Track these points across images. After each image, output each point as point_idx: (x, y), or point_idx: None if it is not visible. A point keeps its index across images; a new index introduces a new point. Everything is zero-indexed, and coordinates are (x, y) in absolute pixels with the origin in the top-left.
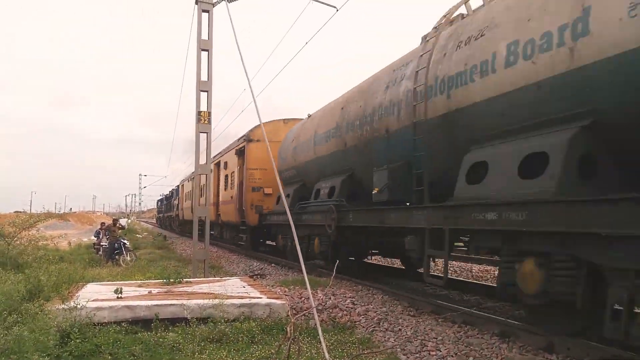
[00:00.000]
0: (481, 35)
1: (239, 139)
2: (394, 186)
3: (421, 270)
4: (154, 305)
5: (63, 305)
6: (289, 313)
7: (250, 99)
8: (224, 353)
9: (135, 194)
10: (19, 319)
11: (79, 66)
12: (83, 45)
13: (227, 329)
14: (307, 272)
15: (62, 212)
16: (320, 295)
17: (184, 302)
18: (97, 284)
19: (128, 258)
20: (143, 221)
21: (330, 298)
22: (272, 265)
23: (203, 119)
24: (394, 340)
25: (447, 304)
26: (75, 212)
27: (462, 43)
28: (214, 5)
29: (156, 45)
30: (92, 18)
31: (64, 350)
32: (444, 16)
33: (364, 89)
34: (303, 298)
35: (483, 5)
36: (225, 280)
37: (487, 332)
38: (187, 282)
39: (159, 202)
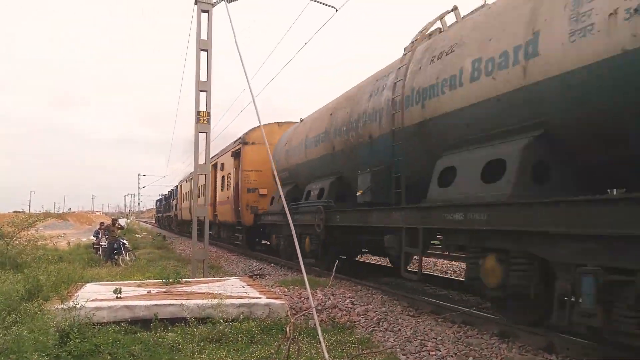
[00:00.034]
0: (451, 51)
1: (235, 142)
2: (376, 188)
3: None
4: (153, 305)
5: (62, 305)
6: (289, 313)
7: (249, 99)
8: (224, 353)
9: (134, 194)
10: (18, 319)
11: (79, 66)
12: (83, 45)
13: (226, 329)
14: (306, 272)
15: (61, 212)
16: (319, 295)
17: (183, 302)
18: (96, 283)
19: (127, 258)
20: (142, 221)
21: (329, 298)
22: (272, 265)
23: (202, 119)
24: (394, 340)
25: (446, 304)
26: (74, 212)
27: (435, 57)
28: (213, 5)
29: (156, 45)
30: (92, 18)
31: (63, 350)
32: (421, 31)
33: (351, 96)
34: (302, 298)
35: (456, 21)
36: (224, 280)
37: (486, 332)
38: (186, 282)
39: (158, 202)
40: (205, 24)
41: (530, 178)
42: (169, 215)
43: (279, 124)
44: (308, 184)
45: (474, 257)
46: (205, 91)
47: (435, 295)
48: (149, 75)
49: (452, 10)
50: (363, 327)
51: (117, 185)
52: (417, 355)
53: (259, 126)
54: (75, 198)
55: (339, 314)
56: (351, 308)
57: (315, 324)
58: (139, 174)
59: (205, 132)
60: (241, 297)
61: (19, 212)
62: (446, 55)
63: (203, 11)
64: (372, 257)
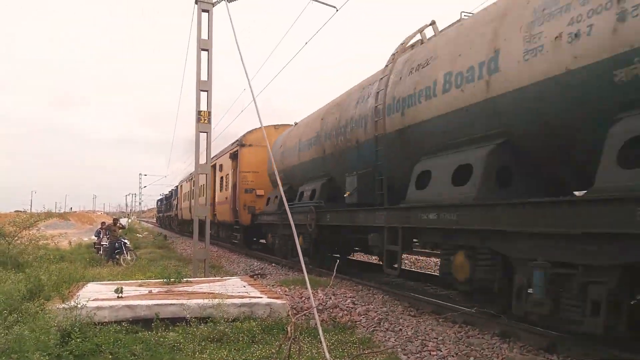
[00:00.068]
0: (427, 64)
1: (232, 144)
2: (363, 190)
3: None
4: (155, 304)
5: (63, 305)
6: (290, 313)
7: (249, 99)
8: (225, 353)
9: (135, 194)
10: (19, 319)
11: (79, 66)
12: (83, 45)
13: (227, 329)
14: (307, 272)
15: (62, 211)
16: (320, 295)
17: (185, 301)
18: (98, 283)
19: (128, 257)
20: (143, 221)
21: (330, 298)
22: (273, 264)
23: (203, 119)
24: (395, 340)
25: (447, 304)
26: (75, 212)
27: (413, 69)
28: (213, 5)
29: (156, 45)
30: (92, 18)
31: (65, 349)
32: (401, 44)
33: (340, 102)
34: (303, 298)
35: (434, 35)
36: (225, 280)
37: (487, 332)
38: (187, 281)
39: (159, 202)
40: (205, 23)
41: (495, 182)
42: (169, 214)
43: (275, 126)
44: (301, 185)
45: (446, 253)
46: (206, 91)
47: (436, 295)
48: (149, 75)
49: (430, 25)
50: (364, 326)
51: (118, 185)
52: (418, 355)
53: (256, 129)
54: (75, 198)
55: (340, 314)
56: (352, 308)
57: (316, 324)
58: (140, 174)
59: (206, 132)
60: (242, 297)
61: (21, 211)
62: (422, 67)
63: (203, 11)
64: (374, 257)
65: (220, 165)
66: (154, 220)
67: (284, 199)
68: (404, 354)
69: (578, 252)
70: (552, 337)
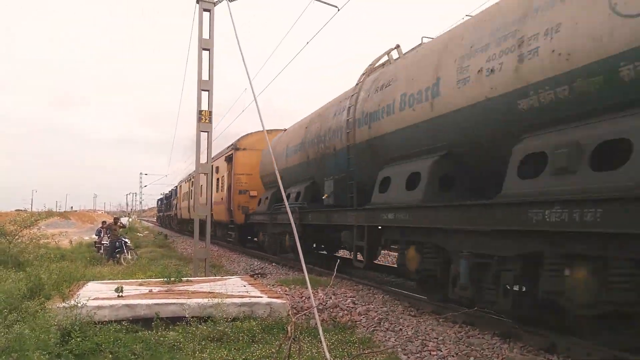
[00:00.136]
0: (389, 85)
1: (228, 147)
2: (338, 193)
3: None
4: (155, 304)
5: (64, 304)
6: (290, 312)
7: (250, 99)
8: (225, 352)
9: (136, 193)
10: (19, 317)
11: (79, 66)
12: (83, 45)
13: (227, 328)
14: (307, 272)
15: (63, 210)
16: (320, 294)
17: (185, 301)
18: (98, 282)
19: (129, 257)
20: (144, 220)
21: (330, 297)
22: (273, 264)
23: (204, 118)
24: (395, 340)
25: (447, 304)
26: (76, 211)
27: (379, 88)
28: (215, 4)
29: (156, 45)
30: (92, 18)
31: (65, 348)
32: (370, 65)
33: (321, 113)
34: (304, 297)
35: (398, 57)
36: (226, 279)
37: (488, 332)
38: (187, 281)
39: (159, 202)
40: (207, 22)
41: (438, 187)
42: (169, 214)
43: (268, 131)
44: (288, 188)
45: (401, 248)
46: (207, 90)
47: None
48: (149, 75)
49: (394, 48)
50: (364, 326)
51: (118, 185)
52: (418, 355)
53: (250, 133)
54: (76, 197)
55: (340, 314)
56: (352, 308)
57: (316, 324)
58: (141, 173)
59: (207, 132)
60: (242, 297)
61: (21, 210)
62: (385, 87)
63: (205, 10)
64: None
65: (217, 167)
66: (155, 219)
67: (285, 199)
68: (404, 354)
69: (492, 246)
70: (552, 337)
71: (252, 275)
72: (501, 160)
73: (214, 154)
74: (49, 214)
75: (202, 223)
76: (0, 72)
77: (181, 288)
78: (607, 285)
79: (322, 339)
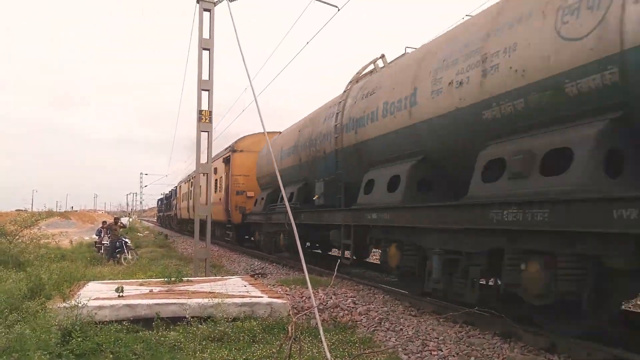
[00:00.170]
0: (373, 93)
1: (225, 149)
2: (328, 194)
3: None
4: (155, 304)
5: (64, 304)
6: (290, 312)
7: (250, 99)
8: (225, 352)
9: (136, 193)
10: (20, 317)
11: (79, 66)
12: (83, 45)
13: (228, 328)
14: (307, 272)
15: (63, 210)
16: (321, 294)
17: (185, 301)
18: (99, 282)
19: (129, 257)
20: (144, 220)
21: (331, 297)
22: (273, 264)
23: (204, 118)
24: (395, 340)
25: (448, 304)
26: (76, 211)
27: (364, 96)
28: (215, 4)
29: (156, 45)
30: (92, 18)
31: (65, 348)
32: (357, 73)
33: (313, 118)
34: (304, 297)
35: (383, 66)
36: (226, 279)
37: (488, 332)
38: (188, 281)
39: (160, 202)
40: (207, 22)
41: (416, 189)
42: (169, 214)
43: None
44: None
45: (384, 246)
46: (207, 90)
47: (437, 295)
48: (149, 75)
49: (380, 58)
50: (365, 326)
51: (118, 185)
52: (418, 355)
53: (247, 136)
54: (76, 197)
55: (341, 314)
56: (353, 307)
57: (317, 324)
58: (142, 173)
59: (208, 131)
60: (243, 297)
61: (22, 210)
62: (370, 95)
63: (205, 10)
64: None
65: (215, 168)
66: (155, 219)
67: (285, 197)
68: (405, 354)
69: (461, 243)
70: (552, 337)
71: (252, 275)
72: (472, 166)
73: (215, 153)
74: (50, 214)
75: (202, 223)
76: (0, 72)
77: (182, 288)
78: (556, 278)
79: (323, 338)
